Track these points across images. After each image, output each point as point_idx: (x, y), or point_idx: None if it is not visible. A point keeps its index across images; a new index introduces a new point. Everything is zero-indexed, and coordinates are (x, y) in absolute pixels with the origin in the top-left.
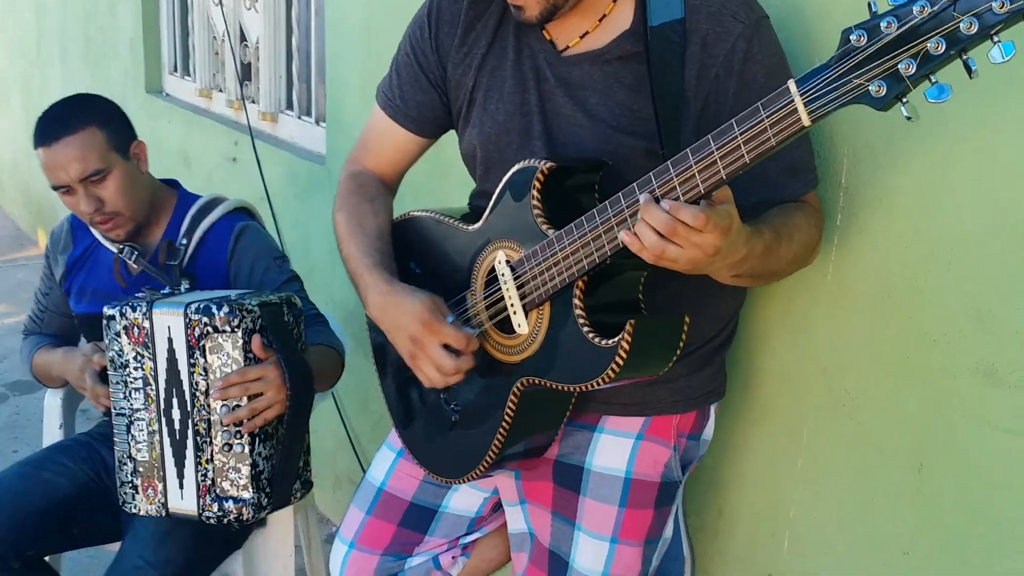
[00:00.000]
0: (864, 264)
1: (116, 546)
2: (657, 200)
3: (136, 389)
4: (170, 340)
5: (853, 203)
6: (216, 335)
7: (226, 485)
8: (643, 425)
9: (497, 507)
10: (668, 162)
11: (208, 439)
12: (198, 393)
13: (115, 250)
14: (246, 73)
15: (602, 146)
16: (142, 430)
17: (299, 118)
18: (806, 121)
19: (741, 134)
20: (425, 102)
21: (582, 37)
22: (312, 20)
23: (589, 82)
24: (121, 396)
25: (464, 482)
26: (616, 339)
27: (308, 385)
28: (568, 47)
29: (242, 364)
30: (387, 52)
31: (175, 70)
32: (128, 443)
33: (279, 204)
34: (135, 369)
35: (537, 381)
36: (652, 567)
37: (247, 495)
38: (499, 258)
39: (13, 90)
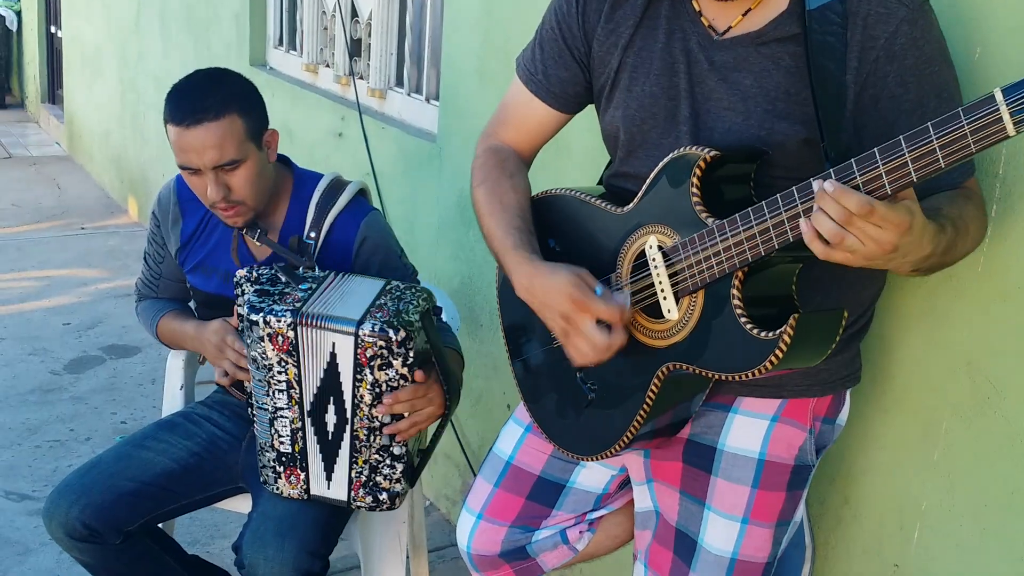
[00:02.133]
0: (1018, 257)
1: (223, 504)
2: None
3: (279, 391)
4: (333, 355)
5: (1011, 194)
6: (388, 356)
7: (380, 479)
8: (779, 407)
9: (623, 484)
10: (852, 160)
11: (367, 443)
12: (362, 404)
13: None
14: (355, 49)
15: (755, 131)
16: (285, 426)
17: (408, 95)
18: (1011, 131)
19: (937, 138)
20: (568, 78)
21: (744, 15)
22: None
23: (744, 64)
24: (263, 394)
25: (596, 460)
26: (778, 332)
27: (458, 396)
28: (730, 28)
29: (408, 379)
30: (504, 36)
31: (280, 44)
32: (271, 435)
33: (385, 180)
34: (279, 373)
35: (685, 367)
36: (781, 549)
37: (399, 487)
38: (651, 243)
39: (109, 59)
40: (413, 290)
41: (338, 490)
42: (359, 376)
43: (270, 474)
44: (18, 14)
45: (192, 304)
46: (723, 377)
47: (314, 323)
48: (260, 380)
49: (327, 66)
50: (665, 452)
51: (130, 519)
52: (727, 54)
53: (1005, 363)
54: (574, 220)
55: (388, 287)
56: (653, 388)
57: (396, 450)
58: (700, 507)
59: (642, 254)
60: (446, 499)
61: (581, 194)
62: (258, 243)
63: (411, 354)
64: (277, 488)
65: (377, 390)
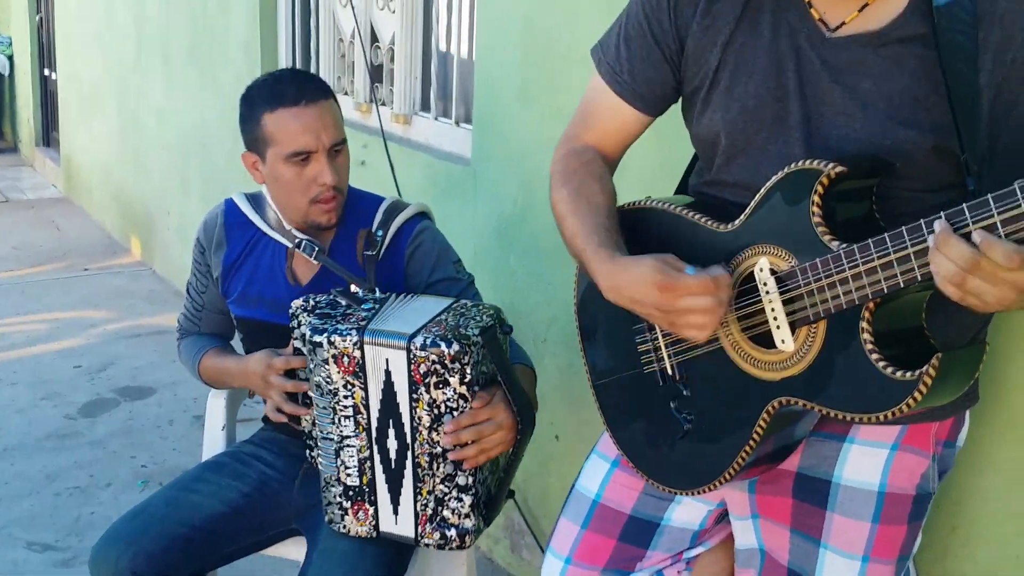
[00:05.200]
0: None
1: (274, 551)
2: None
3: (346, 416)
4: (388, 373)
5: None
6: (443, 372)
7: (447, 514)
8: (899, 434)
9: (720, 518)
10: (989, 196)
11: (430, 472)
12: (420, 427)
13: (290, 244)
14: (376, 75)
15: (876, 140)
16: (352, 456)
17: (436, 119)
18: None
19: None
20: (656, 79)
21: (860, 11)
22: (452, 18)
23: (861, 66)
24: (328, 422)
25: (695, 495)
26: (918, 372)
27: (531, 418)
28: (843, 23)
29: (468, 400)
30: (547, 47)
31: None
32: (337, 467)
33: None
34: (345, 397)
35: (801, 403)
36: None
37: (469, 523)
38: (761, 265)
39: (108, 97)
40: (479, 307)
41: (404, 525)
42: (415, 395)
43: (336, 511)
44: (10, 59)
45: (238, 336)
46: (850, 418)
47: (374, 340)
48: (325, 407)
49: (345, 94)
50: (772, 487)
51: (182, 567)
52: (841, 54)
53: None
54: (668, 237)
55: (454, 305)
56: (762, 423)
57: (462, 480)
58: (815, 546)
59: (750, 277)
60: (487, 536)
61: (675, 207)
62: (314, 260)
63: (468, 371)
64: (344, 527)
65: (436, 411)
